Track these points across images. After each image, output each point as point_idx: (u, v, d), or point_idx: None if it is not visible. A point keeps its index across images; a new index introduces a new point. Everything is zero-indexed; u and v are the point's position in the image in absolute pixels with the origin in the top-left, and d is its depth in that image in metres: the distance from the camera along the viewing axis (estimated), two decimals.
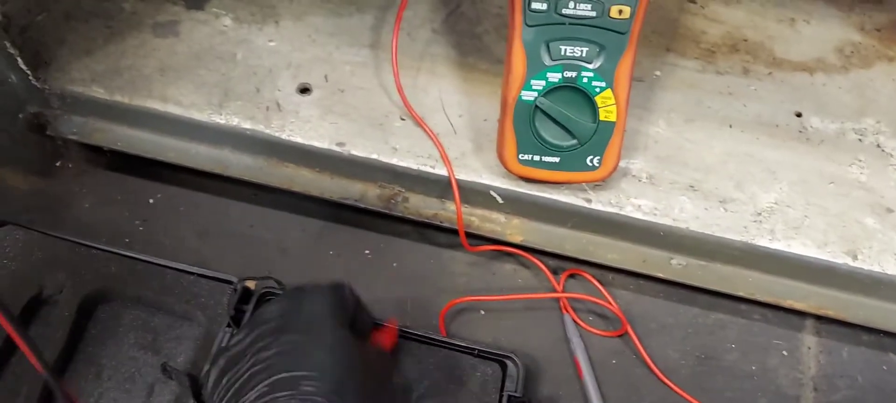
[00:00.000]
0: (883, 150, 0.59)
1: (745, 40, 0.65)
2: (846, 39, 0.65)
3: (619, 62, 0.51)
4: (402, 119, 0.60)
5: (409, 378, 0.57)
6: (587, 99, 0.52)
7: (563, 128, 0.53)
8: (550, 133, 0.53)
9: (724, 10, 0.67)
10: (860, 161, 0.59)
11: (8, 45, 0.60)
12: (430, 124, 0.59)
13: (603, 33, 0.50)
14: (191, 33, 0.65)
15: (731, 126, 0.60)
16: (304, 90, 0.61)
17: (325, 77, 0.62)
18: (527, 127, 0.53)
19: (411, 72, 0.62)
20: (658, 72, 0.63)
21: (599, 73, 0.51)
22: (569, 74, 0.51)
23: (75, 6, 0.66)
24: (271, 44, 0.64)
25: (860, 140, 0.60)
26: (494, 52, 0.64)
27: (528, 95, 0.52)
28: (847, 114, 0.61)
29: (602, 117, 0.53)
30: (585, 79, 0.51)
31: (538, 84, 0.52)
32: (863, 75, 0.63)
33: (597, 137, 0.53)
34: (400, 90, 0.60)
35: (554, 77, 0.51)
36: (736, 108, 0.61)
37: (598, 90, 0.52)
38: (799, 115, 0.61)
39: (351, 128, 0.59)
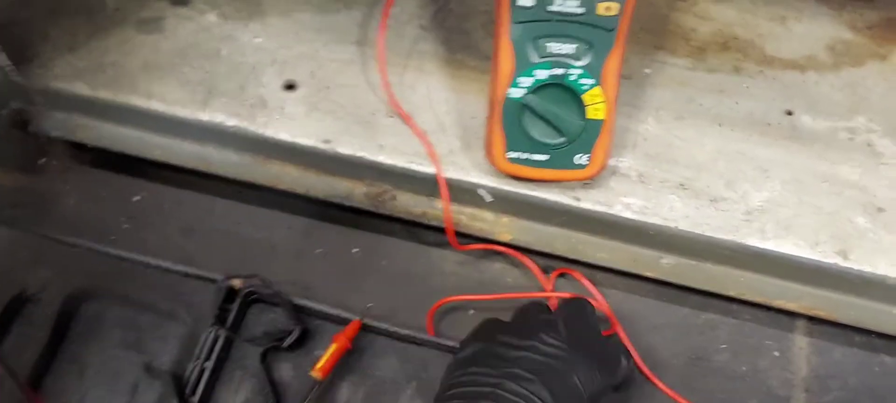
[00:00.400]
0: (874, 149, 0.59)
1: (736, 38, 0.65)
2: (838, 37, 0.65)
3: (607, 59, 0.51)
4: (390, 116, 0.59)
5: (396, 378, 0.57)
6: (575, 96, 0.51)
7: (552, 126, 0.52)
8: (538, 131, 0.53)
9: (715, 8, 0.66)
10: (852, 159, 0.58)
11: None
12: (417, 122, 0.58)
13: (590, 30, 0.50)
14: (175, 30, 0.64)
15: (721, 124, 0.60)
16: (290, 87, 0.61)
17: (311, 74, 0.61)
18: (515, 124, 0.52)
19: (399, 69, 0.61)
20: (648, 70, 0.63)
21: (587, 71, 0.51)
22: (556, 72, 0.51)
23: (59, 2, 0.65)
24: (257, 40, 0.63)
25: (851, 139, 0.59)
26: (483, 48, 0.63)
27: (516, 93, 0.51)
28: (838, 112, 0.61)
29: (590, 115, 0.52)
30: (573, 77, 0.51)
31: (526, 81, 0.51)
32: (854, 73, 0.63)
33: (585, 135, 0.53)
34: (387, 87, 0.59)
35: (541, 74, 0.51)
36: (727, 106, 0.61)
37: (586, 88, 0.51)
38: (790, 114, 0.60)
39: (337, 126, 0.59)
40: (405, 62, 0.62)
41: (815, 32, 0.65)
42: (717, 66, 0.63)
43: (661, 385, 0.56)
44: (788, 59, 0.63)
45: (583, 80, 0.51)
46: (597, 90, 0.51)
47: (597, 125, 0.53)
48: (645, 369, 0.57)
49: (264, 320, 0.59)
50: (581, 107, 0.52)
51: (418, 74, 0.62)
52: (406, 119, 0.59)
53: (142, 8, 0.65)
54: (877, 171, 0.58)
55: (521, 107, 0.52)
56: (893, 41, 0.65)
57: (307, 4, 0.66)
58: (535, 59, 0.51)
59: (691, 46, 0.64)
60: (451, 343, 0.56)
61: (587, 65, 0.51)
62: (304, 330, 0.58)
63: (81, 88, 0.61)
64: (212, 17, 0.65)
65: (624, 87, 0.56)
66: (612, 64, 0.51)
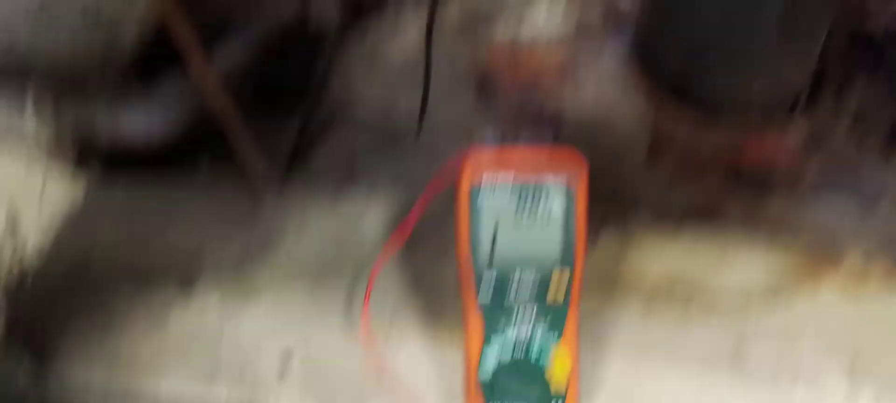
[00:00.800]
0: (817, 381, 0.65)
1: (682, 280, 0.72)
2: (771, 272, 0.73)
3: (564, 329, 0.58)
4: (377, 385, 0.65)
5: None
6: (539, 367, 0.58)
7: (521, 395, 0.59)
8: (509, 399, 0.59)
9: (657, 254, 0.74)
10: (798, 392, 0.64)
11: (11, 340, 0.66)
12: (403, 387, 0.64)
13: (547, 309, 0.57)
14: (181, 316, 0.71)
15: (677, 366, 0.66)
16: (286, 363, 0.67)
17: (304, 349, 0.68)
18: (489, 394, 0.59)
19: (383, 337, 0.68)
20: (603, 321, 0.70)
21: (548, 339, 0.58)
22: (519, 348, 0.58)
23: (74, 298, 0.72)
24: (254, 320, 0.70)
25: (796, 369, 0.65)
26: (459, 308, 0.70)
27: (485, 370, 0.58)
28: (781, 343, 0.67)
29: (555, 382, 0.58)
30: (536, 351, 0.58)
31: (492, 360, 0.58)
32: (790, 305, 0.70)
33: (553, 397, 0.59)
34: (372, 357, 0.66)
35: (506, 353, 0.58)
36: (679, 350, 0.67)
37: (548, 356, 0.58)
38: (738, 351, 0.67)
39: (329, 398, 0.65)
40: (388, 330, 0.69)
41: (751, 269, 0.73)
42: (667, 311, 0.70)
43: None
44: (731, 298, 0.71)
45: (545, 352, 0.58)
46: (558, 357, 0.58)
47: (562, 385, 0.59)
48: None
49: None
50: (546, 375, 0.58)
51: (401, 342, 0.68)
52: (392, 386, 0.65)
53: (151, 297, 0.72)
54: (823, 399, 0.63)
55: (491, 383, 0.58)
56: (822, 272, 0.72)
57: (298, 282, 0.73)
58: (498, 340, 0.58)
59: (641, 294, 0.71)
60: None
61: (546, 338, 0.58)
62: None
63: (96, 380, 0.67)
64: (213, 300, 0.72)
65: (584, 340, 0.62)
66: (570, 331, 0.58)
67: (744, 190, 0.79)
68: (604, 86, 0.91)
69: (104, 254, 0.75)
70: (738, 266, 0.73)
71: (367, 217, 0.78)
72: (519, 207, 0.56)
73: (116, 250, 0.75)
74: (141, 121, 0.71)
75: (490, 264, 0.57)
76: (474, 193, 0.56)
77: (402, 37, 1.00)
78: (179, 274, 0.74)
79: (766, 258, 0.74)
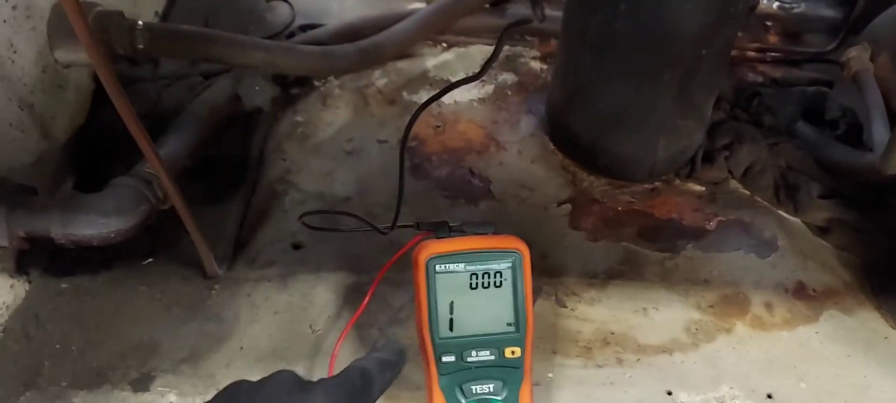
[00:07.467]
0: None
1: (613, 333, 0.79)
2: (690, 319, 0.81)
3: (521, 389, 0.63)
4: None
5: None
6: None
7: None
8: None
9: (590, 310, 0.82)
10: None
11: None
12: None
13: (503, 371, 0.62)
14: None
15: None
16: None
17: None
18: None
19: None
20: (550, 375, 0.76)
21: (506, 397, 0.63)
22: None
23: None
24: None
25: None
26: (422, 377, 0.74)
27: None
28: (706, 385, 0.75)
29: None
30: None
31: None
32: (710, 348, 0.78)
33: None
34: None
35: None
36: (618, 397, 0.74)
37: None
38: (670, 394, 0.74)
39: None
40: None
41: (672, 318, 0.81)
42: (604, 361, 0.77)
43: None
44: (657, 345, 0.79)
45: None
46: None
47: None
48: None
49: None
50: None
51: None
52: None
53: (107, 401, 0.72)
54: None
55: None
56: (733, 315, 0.82)
57: (253, 367, 0.75)
58: (462, 401, 0.62)
59: (579, 347, 0.78)
60: None
61: (505, 397, 0.63)
62: None
63: None
64: (172, 398, 0.73)
65: (535, 393, 0.67)
66: (526, 390, 0.63)
67: (657, 245, 0.88)
68: (525, 154, 0.99)
69: (57, 360, 0.74)
70: (660, 318, 0.81)
71: (317, 294, 0.81)
72: (472, 282, 0.62)
73: (69, 354, 0.75)
74: (97, 223, 0.72)
75: (451, 330, 0.62)
76: (431, 274, 0.62)
77: (332, 110, 1.06)
78: (135, 372, 0.74)
79: (685, 309, 0.82)
